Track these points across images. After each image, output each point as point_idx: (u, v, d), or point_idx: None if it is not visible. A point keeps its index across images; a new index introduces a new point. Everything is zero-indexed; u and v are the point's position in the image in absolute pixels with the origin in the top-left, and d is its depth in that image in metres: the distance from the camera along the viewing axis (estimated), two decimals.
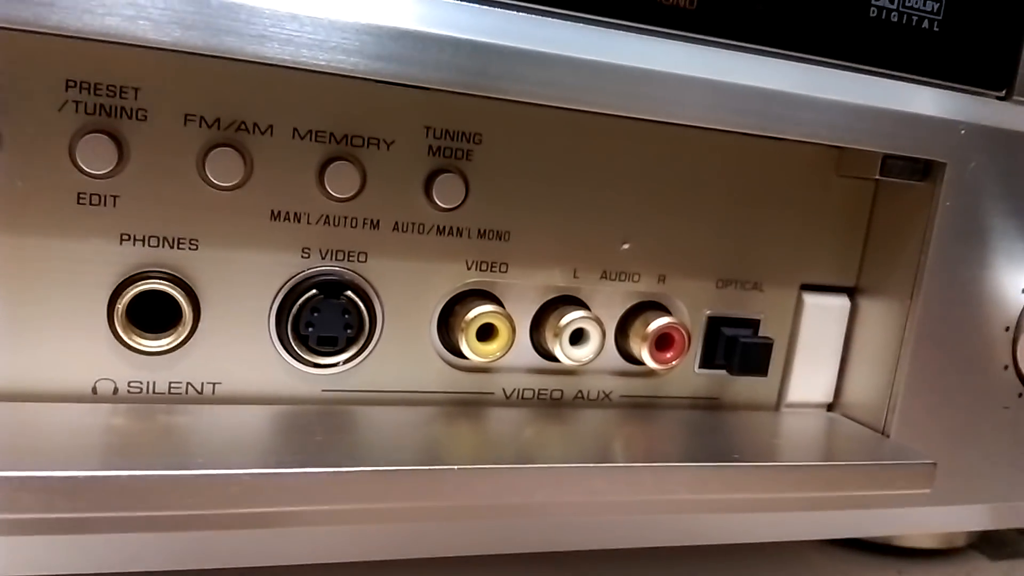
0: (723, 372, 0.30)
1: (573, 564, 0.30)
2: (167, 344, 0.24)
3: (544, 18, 0.23)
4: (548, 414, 0.28)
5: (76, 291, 0.23)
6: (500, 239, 0.27)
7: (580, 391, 0.29)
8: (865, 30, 0.27)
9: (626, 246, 0.28)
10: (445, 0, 0.22)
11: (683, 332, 0.28)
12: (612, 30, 0.24)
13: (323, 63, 0.21)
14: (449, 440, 0.25)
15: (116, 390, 0.24)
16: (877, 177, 0.28)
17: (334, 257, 0.25)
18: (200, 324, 0.24)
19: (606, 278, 0.28)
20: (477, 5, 0.23)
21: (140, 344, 0.24)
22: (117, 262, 0.23)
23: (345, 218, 0.25)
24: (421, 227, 0.26)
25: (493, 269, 0.27)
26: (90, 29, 0.19)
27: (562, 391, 0.29)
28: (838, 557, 0.35)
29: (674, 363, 0.29)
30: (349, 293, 0.25)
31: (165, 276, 0.24)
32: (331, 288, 0.25)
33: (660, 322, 0.28)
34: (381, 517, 0.22)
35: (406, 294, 0.26)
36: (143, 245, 0.24)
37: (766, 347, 0.29)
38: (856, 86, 0.26)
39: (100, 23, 0.19)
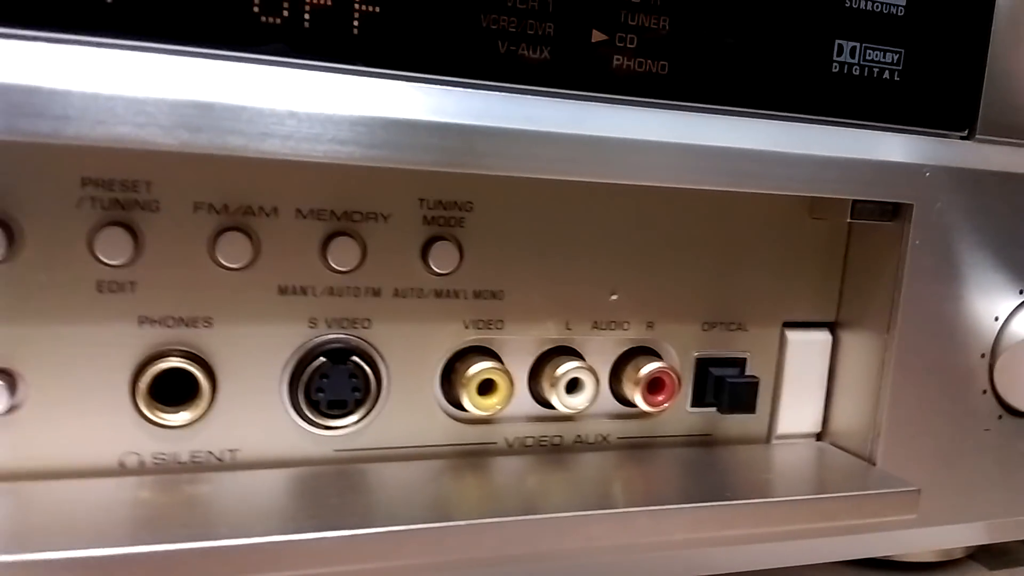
0: (714, 409, 0.31)
1: None
2: (188, 418, 0.26)
3: (523, 96, 0.25)
4: (548, 460, 0.30)
5: (100, 372, 0.25)
6: (495, 298, 0.28)
7: (579, 436, 0.31)
8: (829, 85, 0.28)
9: (615, 297, 0.30)
10: (431, 86, 0.24)
11: (673, 375, 0.30)
12: (587, 103, 0.26)
13: (321, 155, 0.23)
14: (455, 494, 0.27)
15: (142, 463, 0.26)
16: (848, 220, 0.29)
17: (340, 325, 0.27)
18: (217, 396, 0.26)
19: (597, 328, 0.30)
20: (460, 89, 0.24)
21: (162, 419, 0.25)
22: (137, 344, 0.25)
23: (348, 288, 0.27)
24: (420, 291, 0.28)
25: (490, 326, 0.29)
26: (104, 138, 0.21)
27: (561, 437, 0.30)
28: (836, 573, 0.36)
29: (666, 405, 0.30)
30: (355, 358, 0.27)
31: (182, 354, 0.25)
32: (338, 355, 0.27)
33: (651, 367, 0.30)
34: (394, 574, 0.24)
35: (409, 355, 0.28)
36: (160, 326, 0.25)
37: (752, 386, 0.30)
38: (823, 137, 0.28)
39: (113, 132, 0.21)
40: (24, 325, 0.24)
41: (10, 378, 0.24)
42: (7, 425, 0.24)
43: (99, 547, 0.21)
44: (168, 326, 0.25)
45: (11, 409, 0.24)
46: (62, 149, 0.23)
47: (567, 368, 0.29)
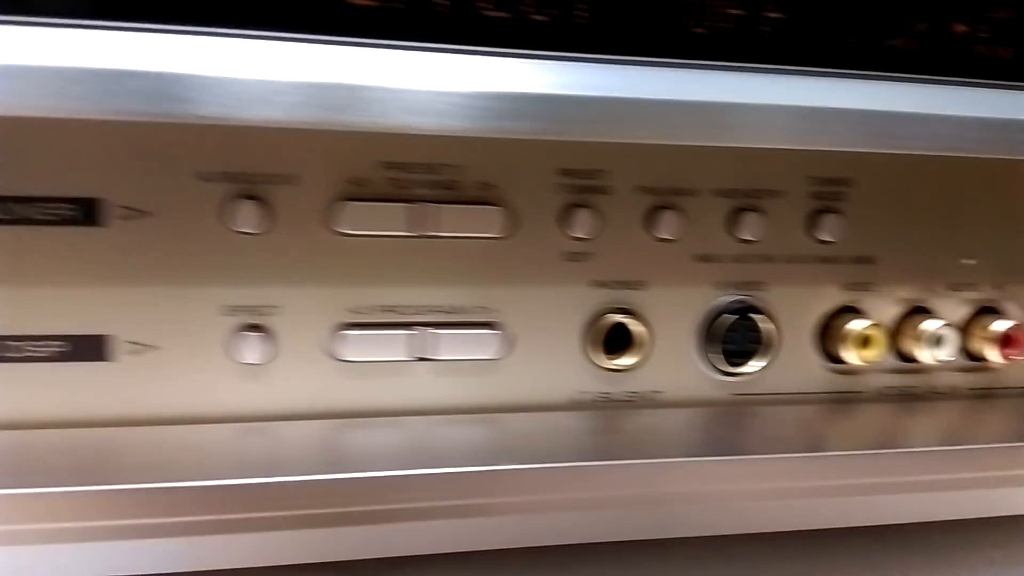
0: None
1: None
2: (627, 364, 0.31)
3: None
4: (905, 407, 0.34)
5: (562, 326, 0.30)
6: (868, 263, 0.33)
7: (932, 386, 0.34)
8: None
9: (970, 261, 0.33)
10: None
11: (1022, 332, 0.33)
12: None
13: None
14: (831, 431, 0.32)
15: (589, 400, 0.31)
16: None
17: (741, 288, 0.32)
18: (649, 346, 0.31)
19: (953, 289, 0.34)
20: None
21: (609, 364, 0.31)
22: (589, 302, 0.31)
23: (749, 255, 0.32)
24: (806, 258, 0.32)
25: (861, 288, 0.33)
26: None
27: (917, 387, 0.34)
28: None
29: (1017, 359, 0.34)
30: (754, 315, 0.32)
31: (622, 310, 0.31)
32: (742, 312, 0.32)
33: (1004, 324, 0.33)
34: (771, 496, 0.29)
35: (794, 313, 0.32)
36: (607, 288, 0.31)
37: None
38: None
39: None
40: (512, 286, 0.30)
41: (501, 328, 0.30)
42: (497, 369, 0.30)
43: (580, 461, 0.27)
44: (612, 288, 0.31)
45: (496, 359, 0.30)
46: (540, 144, 0.29)
47: (934, 326, 0.33)
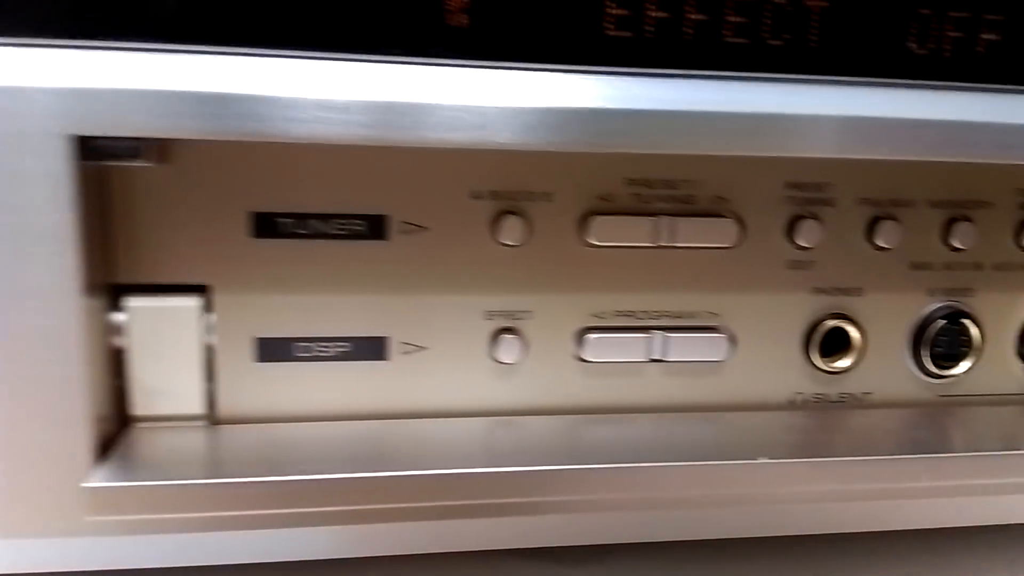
0: None
1: None
2: (843, 366, 0.33)
3: None
4: None
5: (782, 330, 0.32)
6: None
7: None
8: None
9: None
10: None
11: None
12: None
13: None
14: None
15: (805, 400, 0.33)
16: None
17: (951, 294, 0.33)
18: (863, 350, 0.33)
19: None
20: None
21: (826, 367, 0.33)
22: (809, 308, 0.32)
23: (959, 263, 0.33)
24: (1012, 265, 0.33)
25: None
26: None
27: None
28: None
29: None
30: (964, 320, 0.33)
31: (839, 315, 0.33)
32: (952, 317, 0.33)
33: None
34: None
35: (998, 318, 0.34)
36: (827, 295, 0.32)
37: None
38: None
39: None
40: (739, 292, 0.32)
41: (727, 332, 0.32)
42: (722, 370, 0.32)
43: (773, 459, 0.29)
44: (831, 294, 0.33)
45: (722, 361, 0.32)
46: (770, 160, 0.31)
47: None
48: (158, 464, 0.26)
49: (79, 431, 0.25)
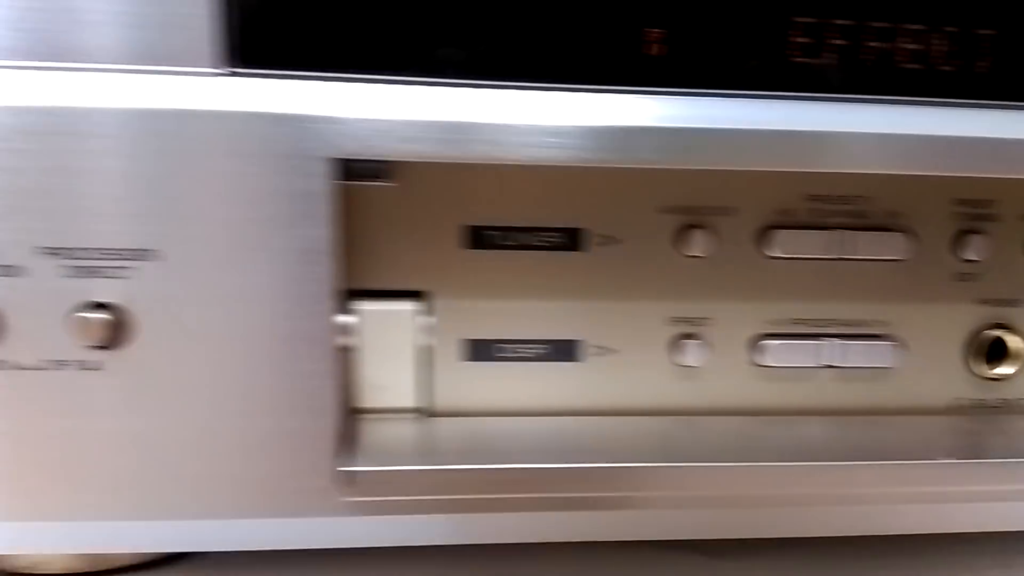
0: None
1: None
2: (1006, 373, 0.34)
3: None
4: None
5: (946, 339, 0.34)
6: None
7: None
8: None
9: None
10: None
11: None
12: None
13: None
14: None
15: (963, 406, 0.35)
16: None
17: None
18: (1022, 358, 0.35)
19: None
20: None
21: (988, 374, 0.34)
22: (972, 318, 0.34)
23: None
24: None
25: None
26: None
27: None
28: None
29: None
30: None
31: (1000, 325, 0.34)
32: None
33: None
34: None
35: None
36: (989, 306, 0.34)
37: None
38: None
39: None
40: (907, 303, 0.34)
41: (895, 340, 0.34)
42: (889, 377, 0.34)
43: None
44: (994, 305, 0.34)
45: (890, 368, 0.34)
46: (939, 177, 0.32)
47: None
48: (398, 451, 0.29)
49: (328, 421, 0.28)
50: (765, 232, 0.32)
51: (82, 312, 0.26)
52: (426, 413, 0.32)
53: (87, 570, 0.33)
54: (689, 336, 0.33)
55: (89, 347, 0.27)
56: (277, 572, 0.34)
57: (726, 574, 0.35)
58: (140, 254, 0.26)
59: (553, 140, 0.27)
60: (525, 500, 0.30)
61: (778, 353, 0.33)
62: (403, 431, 0.31)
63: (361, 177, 0.28)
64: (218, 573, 0.34)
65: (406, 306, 0.31)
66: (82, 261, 0.26)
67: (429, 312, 0.31)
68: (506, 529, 0.31)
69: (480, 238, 0.31)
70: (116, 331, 0.27)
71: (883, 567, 0.35)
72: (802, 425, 0.34)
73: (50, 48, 0.26)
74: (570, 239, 0.32)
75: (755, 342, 0.33)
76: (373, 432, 0.30)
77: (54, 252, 0.26)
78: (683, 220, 0.32)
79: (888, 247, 0.33)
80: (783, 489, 0.31)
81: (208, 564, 0.35)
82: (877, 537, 0.35)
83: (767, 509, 0.34)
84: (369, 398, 0.31)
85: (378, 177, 0.28)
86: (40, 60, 0.26)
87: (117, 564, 0.34)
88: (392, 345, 0.31)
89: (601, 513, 0.32)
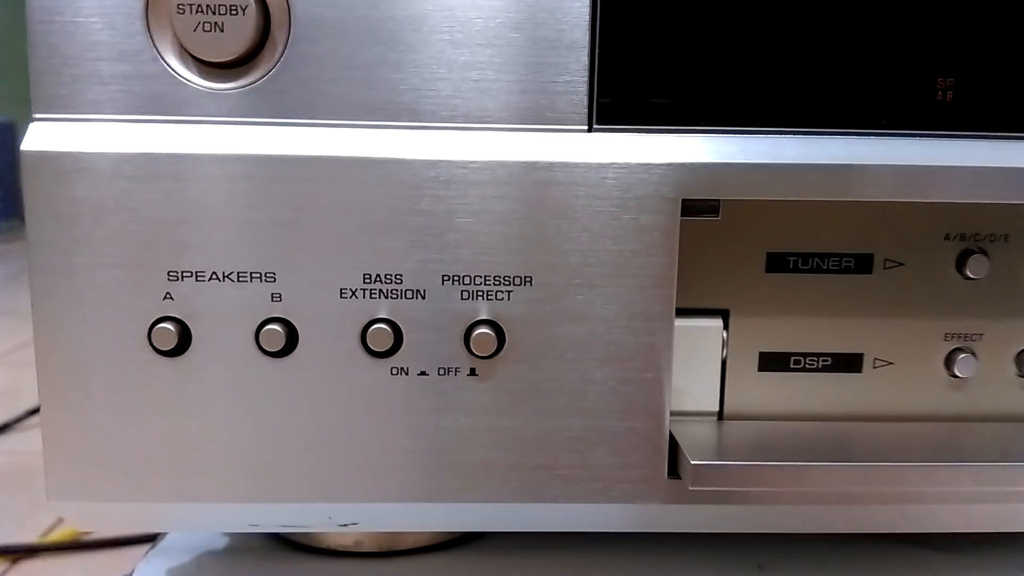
0: None
1: None
2: None
3: None
4: None
5: None
6: None
7: None
8: None
9: None
10: None
11: None
12: None
13: None
14: None
15: None
16: None
17: None
18: None
19: None
20: None
21: None
22: None
23: None
24: None
25: None
26: None
27: None
28: None
29: None
30: None
31: None
32: None
33: None
34: None
35: None
36: None
37: None
38: None
39: None
40: None
41: None
42: None
43: None
44: None
45: None
46: None
47: None
48: (719, 448, 0.33)
49: (662, 421, 0.33)
50: None
51: (474, 328, 0.32)
52: (720, 416, 0.36)
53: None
54: (960, 350, 0.36)
55: (475, 356, 0.32)
56: (551, 553, 0.39)
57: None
58: (519, 280, 0.32)
59: (867, 178, 0.31)
60: (820, 494, 0.34)
61: None
62: (710, 431, 0.35)
63: (695, 213, 0.33)
64: (506, 553, 0.40)
65: (711, 323, 0.35)
66: (472, 286, 0.32)
67: (727, 327, 0.36)
68: (813, 520, 0.36)
69: (781, 263, 0.35)
70: (497, 344, 0.32)
71: None
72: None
73: (451, 112, 0.31)
74: (859, 263, 0.36)
75: (1020, 355, 0.37)
76: (691, 432, 0.35)
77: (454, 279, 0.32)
78: (962, 246, 0.35)
79: None
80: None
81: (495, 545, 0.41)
82: None
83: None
84: (676, 402, 0.36)
85: (713, 213, 0.33)
86: (441, 122, 0.31)
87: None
88: (697, 356, 0.35)
89: (877, 508, 0.36)
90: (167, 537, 0.45)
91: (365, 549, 0.41)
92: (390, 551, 0.41)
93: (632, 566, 0.40)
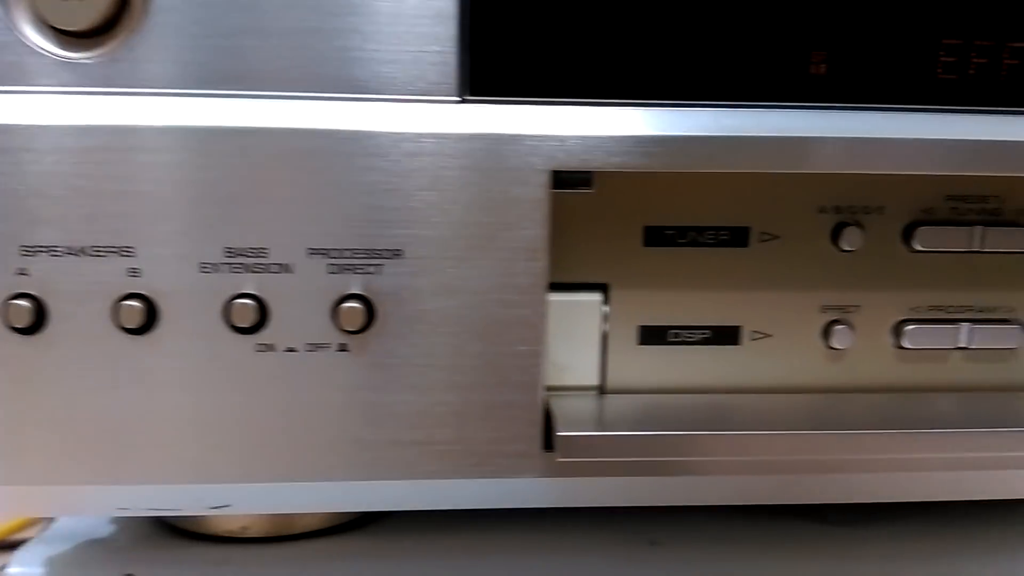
0: None
1: None
2: None
3: None
4: None
5: None
6: None
7: None
8: None
9: None
10: None
11: None
12: None
13: None
14: None
15: None
16: None
17: None
18: None
19: None
20: None
21: None
22: None
23: None
24: None
25: None
26: None
27: None
28: None
29: None
30: None
31: None
32: None
33: None
34: None
35: None
36: None
37: None
38: None
39: None
40: None
41: (1019, 324, 0.38)
42: (1014, 357, 0.38)
43: None
44: None
45: (1015, 348, 0.38)
46: None
47: None
48: (594, 420, 0.33)
49: (536, 394, 0.33)
50: (910, 229, 0.36)
51: (342, 303, 0.31)
52: (601, 391, 0.36)
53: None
54: (838, 322, 0.37)
55: (344, 331, 0.32)
56: (449, 534, 0.39)
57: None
58: (389, 253, 0.31)
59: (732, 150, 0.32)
60: (700, 463, 0.34)
61: (917, 337, 0.37)
62: (586, 404, 0.35)
63: (568, 186, 0.32)
64: (404, 535, 0.40)
65: (589, 297, 0.35)
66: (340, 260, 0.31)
67: (608, 302, 0.36)
68: (694, 491, 0.36)
69: (658, 237, 0.35)
70: (367, 318, 0.31)
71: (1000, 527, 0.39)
72: (936, 400, 0.38)
73: (318, 82, 0.31)
74: (735, 236, 0.36)
75: (897, 327, 0.37)
76: (565, 405, 0.35)
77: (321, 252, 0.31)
78: (837, 218, 0.36)
79: (1017, 242, 0.37)
80: (915, 454, 0.35)
81: (392, 527, 0.40)
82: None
83: (900, 474, 0.38)
84: (555, 376, 0.36)
85: (586, 185, 0.33)
86: (307, 91, 0.31)
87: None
88: (576, 330, 0.35)
89: (753, 478, 0.37)
90: (53, 524, 0.44)
91: (252, 534, 0.40)
92: (281, 536, 0.40)
93: (523, 544, 0.40)
